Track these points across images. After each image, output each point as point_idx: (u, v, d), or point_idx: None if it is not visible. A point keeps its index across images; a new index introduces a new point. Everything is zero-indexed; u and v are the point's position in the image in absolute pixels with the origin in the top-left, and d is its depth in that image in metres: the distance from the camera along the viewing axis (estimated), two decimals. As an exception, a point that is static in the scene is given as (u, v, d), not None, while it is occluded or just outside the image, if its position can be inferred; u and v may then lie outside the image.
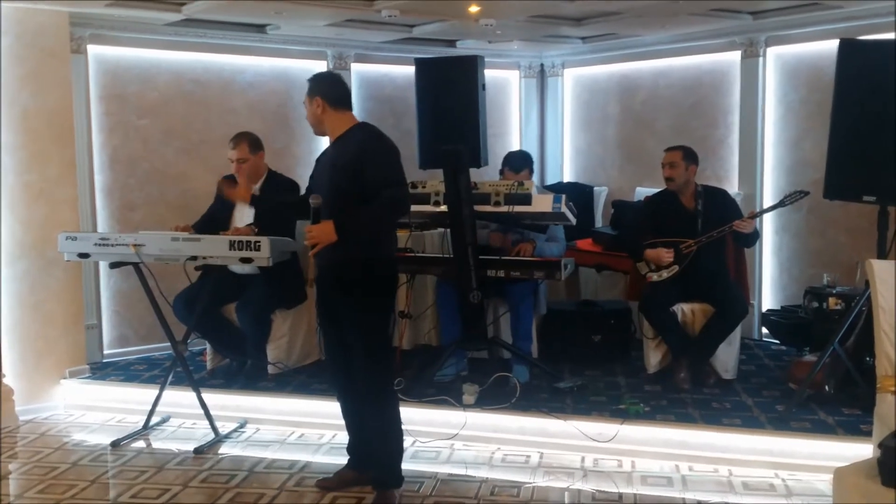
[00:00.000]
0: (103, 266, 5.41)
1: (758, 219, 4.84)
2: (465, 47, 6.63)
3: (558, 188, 6.72)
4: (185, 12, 5.16)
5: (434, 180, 4.81)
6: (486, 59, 4.75)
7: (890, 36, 4.45)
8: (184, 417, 4.61)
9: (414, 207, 4.63)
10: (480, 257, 4.63)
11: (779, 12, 5.55)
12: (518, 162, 5.08)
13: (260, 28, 5.92)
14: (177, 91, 5.79)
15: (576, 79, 7.14)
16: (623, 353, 5.33)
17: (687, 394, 4.57)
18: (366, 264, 3.40)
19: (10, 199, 4.75)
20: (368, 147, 3.40)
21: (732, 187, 5.95)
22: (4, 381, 4.70)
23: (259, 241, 4.14)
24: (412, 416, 3.96)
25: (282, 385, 4.84)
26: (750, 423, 4.10)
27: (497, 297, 5.00)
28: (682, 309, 4.79)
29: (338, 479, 3.72)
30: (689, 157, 4.85)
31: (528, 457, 4.07)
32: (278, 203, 4.36)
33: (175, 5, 5.10)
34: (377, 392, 3.47)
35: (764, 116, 5.89)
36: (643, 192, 6.12)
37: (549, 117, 7.25)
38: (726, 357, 4.77)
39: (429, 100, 4.69)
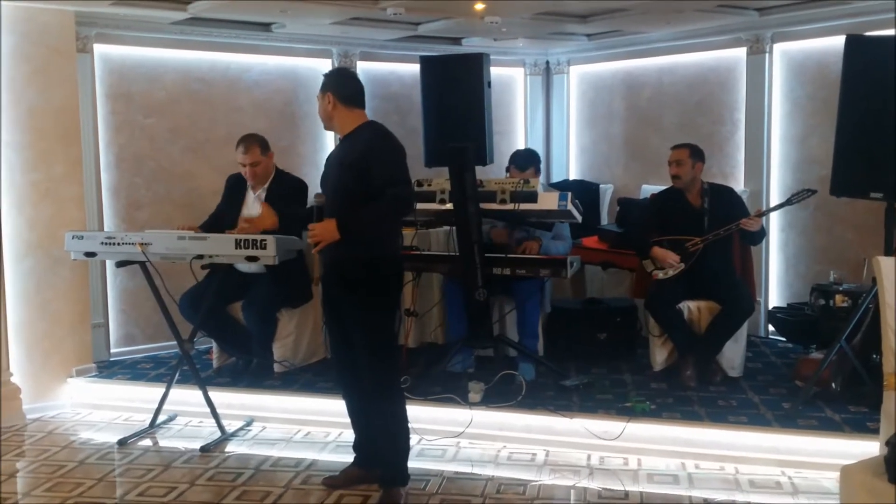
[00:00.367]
0: (110, 265, 5.43)
1: (764, 217, 4.83)
2: (470, 45, 6.63)
3: (564, 186, 6.71)
4: (190, 11, 5.17)
5: (440, 178, 4.81)
6: (491, 57, 4.74)
7: (897, 32, 4.44)
8: (190, 416, 4.62)
9: (420, 205, 4.66)
10: (486, 255, 4.63)
11: (785, 8, 5.54)
12: (524, 160, 5.08)
13: (265, 26, 5.92)
14: (183, 90, 5.80)
15: (581, 76, 7.12)
16: (629, 350, 5.32)
17: (693, 391, 4.56)
18: (370, 262, 3.40)
19: (17, 198, 4.77)
20: (374, 145, 3.39)
21: (738, 184, 5.93)
22: (11, 379, 4.72)
23: (265, 240, 4.14)
24: (418, 414, 3.96)
25: (288, 383, 4.85)
26: (756, 420, 4.09)
27: (503, 294, 4.99)
28: (689, 306, 4.78)
29: (344, 477, 3.73)
30: (696, 154, 4.84)
31: (534, 455, 4.07)
32: (298, 216, 4.37)
33: (181, 4, 5.11)
34: (383, 390, 3.48)
35: (770, 113, 5.87)
36: (649, 189, 6.11)
37: (555, 115, 7.24)
38: (732, 354, 4.76)
39: (434, 98, 4.69)
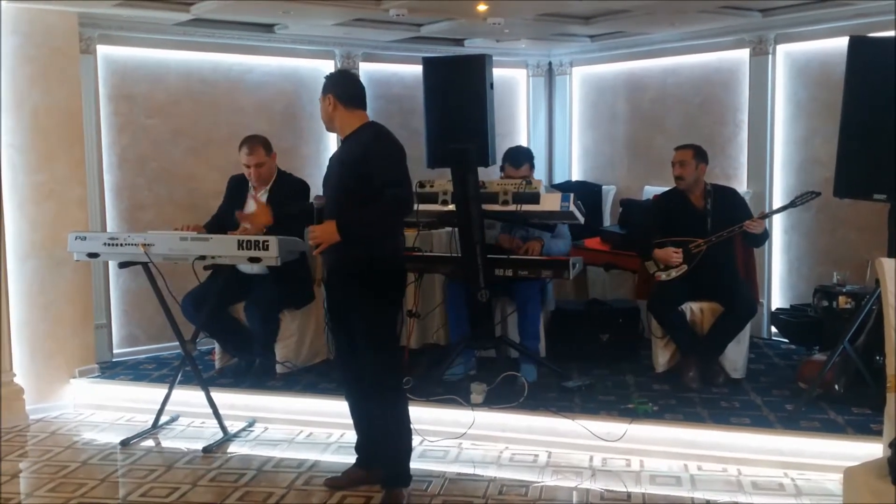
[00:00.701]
0: (112, 266, 5.43)
1: (767, 219, 4.82)
2: (472, 46, 6.63)
3: (566, 187, 6.70)
4: (193, 12, 5.17)
5: (442, 179, 4.81)
6: (493, 58, 4.74)
7: (900, 33, 4.43)
8: (193, 416, 4.62)
9: (422, 206, 4.67)
10: (488, 256, 4.63)
11: (788, 9, 5.53)
12: (518, 157, 5.08)
13: (268, 28, 5.93)
14: (185, 91, 5.81)
15: (584, 77, 7.12)
16: (631, 352, 5.32)
17: (696, 393, 4.55)
18: (371, 263, 3.41)
19: (20, 199, 4.78)
20: (374, 146, 3.40)
21: (741, 186, 5.93)
22: (14, 380, 4.72)
23: (267, 241, 4.14)
24: (420, 416, 3.96)
25: (290, 384, 4.85)
26: (759, 422, 4.08)
27: (505, 296, 4.99)
28: (691, 308, 4.78)
29: (346, 478, 3.73)
30: (700, 155, 4.84)
31: (537, 456, 4.07)
32: (290, 214, 4.35)
33: (183, 5, 5.11)
34: (385, 390, 3.48)
35: (773, 114, 5.87)
36: (651, 190, 6.11)
37: (558, 116, 7.24)
38: (735, 356, 4.75)
39: (437, 99, 4.69)
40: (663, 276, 4.73)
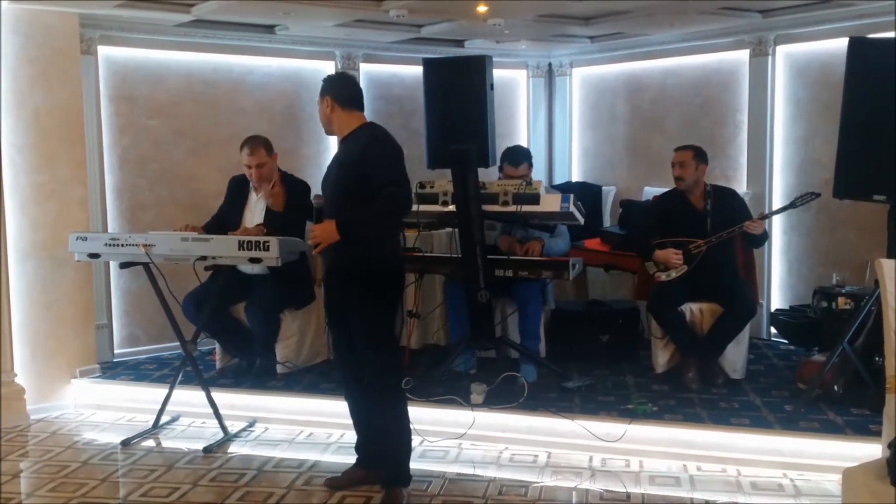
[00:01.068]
0: (113, 266, 5.44)
1: (767, 219, 4.83)
2: (473, 47, 6.63)
3: (566, 188, 6.71)
4: (194, 13, 5.18)
5: (442, 180, 4.82)
6: (494, 59, 4.75)
7: (900, 34, 4.44)
8: (193, 416, 4.63)
9: (422, 207, 4.67)
10: (489, 257, 4.63)
11: (788, 11, 5.54)
12: (517, 156, 5.08)
13: (269, 29, 5.94)
14: (186, 91, 5.81)
15: (584, 78, 7.13)
16: (631, 352, 5.32)
17: (695, 393, 4.56)
18: (370, 263, 3.42)
19: (21, 199, 4.78)
20: (372, 146, 3.41)
21: (741, 186, 5.93)
22: (15, 380, 4.73)
23: (268, 242, 4.15)
24: (420, 416, 3.97)
25: (290, 384, 4.86)
26: (758, 422, 4.09)
27: (505, 296, 5.00)
28: (691, 308, 4.78)
29: (346, 478, 3.73)
30: (700, 156, 4.85)
31: (536, 456, 4.07)
32: (294, 216, 4.37)
33: (184, 6, 5.12)
34: (385, 390, 3.49)
35: (773, 115, 5.87)
36: (651, 191, 6.11)
37: (558, 117, 7.24)
38: (735, 357, 4.76)
39: (437, 100, 4.70)
40: (663, 276, 4.74)
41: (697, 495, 3.60)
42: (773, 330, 5.79)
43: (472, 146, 4.50)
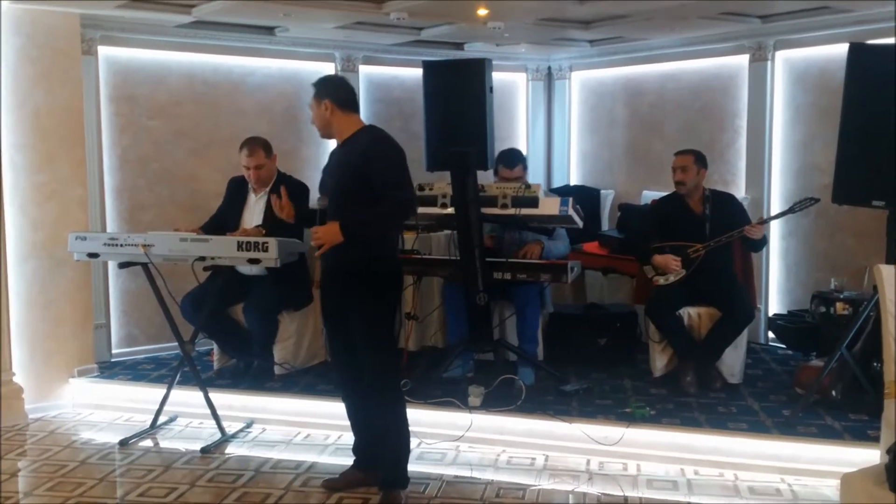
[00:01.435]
0: (112, 266, 5.44)
1: (766, 224, 4.83)
2: (472, 50, 6.64)
3: (565, 191, 6.73)
4: (194, 14, 5.18)
5: (441, 182, 4.82)
6: (493, 62, 4.76)
7: (899, 40, 4.45)
8: (191, 417, 4.63)
9: (421, 209, 4.67)
10: (487, 259, 4.64)
11: (788, 16, 5.54)
12: (512, 158, 5.08)
13: (269, 30, 5.94)
14: (186, 92, 5.82)
15: (583, 82, 7.14)
16: (629, 356, 5.32)
17: (693, 398, 4.56)
18: (369, 264, 3.42)
19: (21, 199, 4.78)
20: (374, 149, 3.42)
21: (740, 191, 5.94)
22: (14, 379, 4.73)
23: (267, 243, 4.16)
24: (418, 418, 3.96)
25: (288, 385, 4.86)
26: (756, 427, 4.09)
27: (503, 299, 5.00)
28: (689, 312, 4.79)
29: (344, 480, 3.73)
30: (700, 160, 4.86)
31: (534, 459, 4.07)
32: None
33: (185, 7, 5.13)
34: (383, 392, 3.49)
35: (772, 120, 5.88)
36: (650, 195, 6.12)
37: (557, 120, 7.26)
38: (733, 361, 4.76)
39: (436, 102, 4.70)
40: (661, 280, 4.74)
41: (695, 499, 3.61)
42: (770, 334, 5.79)
43: (471, 149, 4.50)
